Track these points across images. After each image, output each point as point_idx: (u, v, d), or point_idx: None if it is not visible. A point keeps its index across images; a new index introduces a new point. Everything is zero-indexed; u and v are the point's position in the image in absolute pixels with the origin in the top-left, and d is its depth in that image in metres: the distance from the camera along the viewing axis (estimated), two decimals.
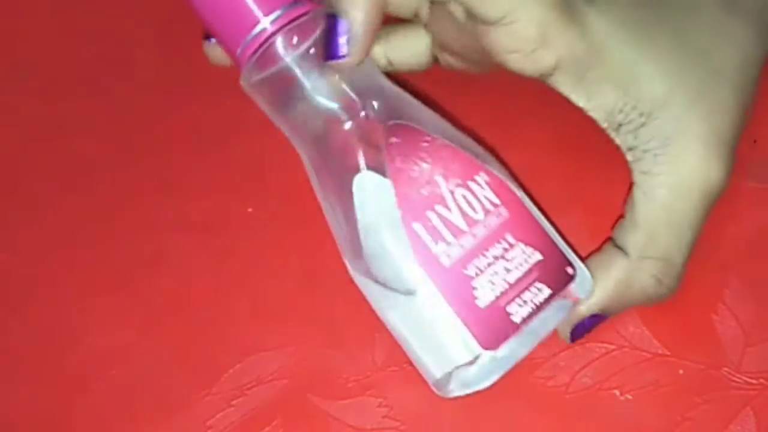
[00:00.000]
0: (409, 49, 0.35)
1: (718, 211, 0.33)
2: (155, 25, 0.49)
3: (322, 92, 0.27)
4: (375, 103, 0.28)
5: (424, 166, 0.27)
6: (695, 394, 0.28)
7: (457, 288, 0.27)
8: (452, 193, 0.27)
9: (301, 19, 0.27)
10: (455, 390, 0.28)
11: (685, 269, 0.29)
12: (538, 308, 0.28)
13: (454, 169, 0.28)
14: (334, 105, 0.28)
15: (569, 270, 0.29)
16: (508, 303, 0.27)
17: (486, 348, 0.27)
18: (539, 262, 0.28)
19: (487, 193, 0.28)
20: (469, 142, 0.29)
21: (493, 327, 0.27)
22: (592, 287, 0.29)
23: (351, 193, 0.27)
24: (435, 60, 0.35)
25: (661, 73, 0.29)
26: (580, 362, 0.30)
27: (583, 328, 0.29)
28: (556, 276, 0.28)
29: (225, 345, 0.33)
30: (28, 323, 0.35)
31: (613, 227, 0.31)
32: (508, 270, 0.28)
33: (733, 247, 0.32)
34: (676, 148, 0.28)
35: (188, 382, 0.32)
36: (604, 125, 0.29)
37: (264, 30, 0.27)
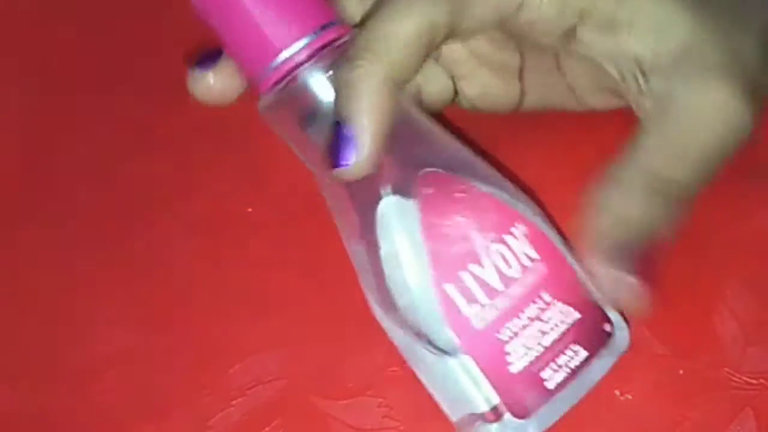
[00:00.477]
0: (440, 78, 0.34)
1: (718, 210, 0.33)
2: (155, 25, 0.49)
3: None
4: (407, 144, 0.27)
5: (459, 219, 0.26)
6: (695, 394, 0.28)
7: (489, 353, 0.25)
8: (487, 249, 0.26)
9: (330, 47, 0.26)
10: None
11: (694, 200, 0.28)
12: (574, 373, 0.26)
13: (489, 221, 0.26)
14: None
15: (607, 327, 0.27)
16: (542, 368, 0.26)
17: (516, 417, 0.26)
18: (577, 321, 0.26)
19: (524, 247, 0.26)
20: (504, 183, 0.28)
21: (525, 394, 0.26)
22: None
23: (374, 223, 0.26)
24: (455, 94, 0.34)
25: (687, 15, 0.28)
26: None
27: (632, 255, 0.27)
28: (594, 336, 0.27)
29: (225, 345, 0.33)
30: (28, 323, 0.35)
31: None
32: (543, 332, 0.26)
33: (733, 247, 0.32)
34: (695, 86, 0.28)
35: (188, 382, 0.32)
36: (630, 75, 0.29)
37: (290, 58, 0.25)
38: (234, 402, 0.31)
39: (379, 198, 0.26)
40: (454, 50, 0.33)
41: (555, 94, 0.34)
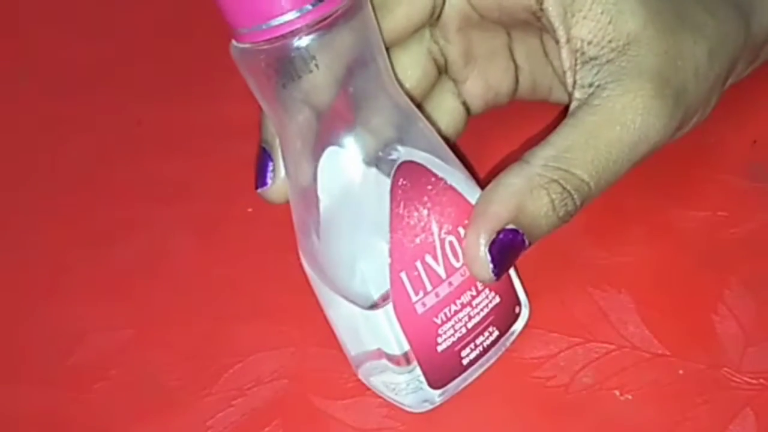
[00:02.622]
0: (452, 105, 0.35)
1: (717, 211, 0.33)
2: (155, 25, 0.49)
3: (323, 85, 0.26)
4: (385, 123, 0.27)
5: (424, 212, 0.27)
6: (695, 394, 0.28)
7: (423, 334, 0.27)
8: (442, 241, 0.27)
9: (330, 18, 0.26)
10: (382, 387, 0.29)
11: (589, 203, 0.28)
12: (486, 350, 0.29)
13: (449, 214, 0.27)
14: (332, 95, 0.26)
15: (517, 309, 0.29)
16: (463, 347, 0.28)
17: (433, 388, 0.28)
18: (497, 305, 0.29)
19: None
20: (466, 173, 0.29)
21: (444, 369, 0.28)
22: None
23: (316, 178, 0.27)
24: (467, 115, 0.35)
25: (643, 10, 0.29)
26: (580, 362, 0.30)
27: (501, 246, 0.27)
28: (507, 318, 0.29)
29: (225, 345, 0.33)
30: (28, 323, 0.35)
31: (615, 231, 0.31)
32: (470, 316, 0.28)
33: (733, 247, 0.32)
34: (624, 83, 0.28)
35: (188, 382, 0.32)
36: (575, 58, 0.29)
37: (288, 23, 0.25)
38: (234, 402, 0.31)
39: (323, 150, 0.27)
40: (456, 62, 0.34)
41: (544, 80, 0.35)
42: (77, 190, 0.40)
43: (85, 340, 0.34)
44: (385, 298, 0.26)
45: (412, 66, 0.33)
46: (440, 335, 0.27)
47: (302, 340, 0.32)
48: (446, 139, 0.29)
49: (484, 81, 0.34)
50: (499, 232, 0.26)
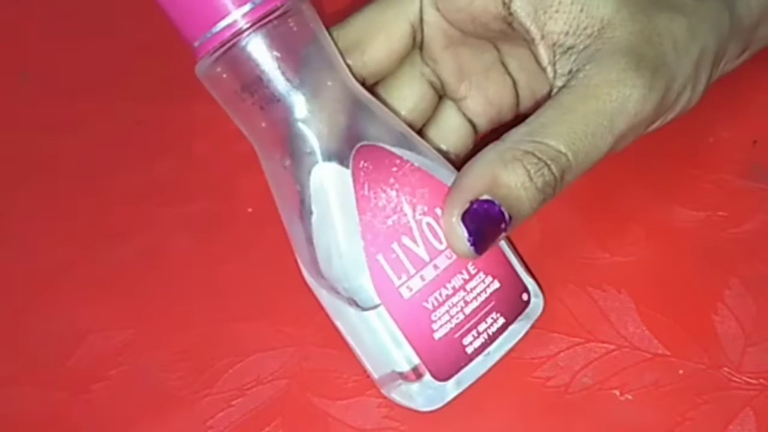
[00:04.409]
0: (459, 121, 0.35)
1: (718, 210, 0.33)
2: (155, 25, 0.49)
3: (282, 85, 0.26)
4: (344, 116, 0.27)
5: (392, 193, 0.27)
6: (695, 394, 0.28)
7: (415, 321, 0.27)
8: (419, 222, 0.27)
9: (273, 15, 0.26)
10: (399, 398, 0.28)
11: (571, 178, 0.28)
12: (492, 338, 0.28)
13: (422, 195, 0.27)
14: (293, 96, 0.26)
15: (524, 296, 0.29)
16: (464, 335, 0.28)
17: (438, 380, 0.27)
18: (497, 290, 0.28)
19: None
20: (439, 158, 0.29)
21: (447, 359, 0.27)
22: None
23: (308, 188, 0.27)
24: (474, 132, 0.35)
25: None
26: (580, 362, 0.30)
27: (475, 216, 0.26)
28: (512, 304, 0.29)
29: (225, 345, 0.33)
30: (28, 323, 0.35)
31: (615, 231, 0.30)
32: (466, 301, 0.28)
33: (733, 247, 0.32)
34: (599, 63, 0.28)
35: (188, 382, 0.32)
36: (554, 51, 0.29)
37: (230, 25, 0.25)
38: (234, 402, 0.31)
39: (314, 164, 0.27)
40: (450, 82, 0.34)
41: (543, 89, 0.34)
42: (77, 190, 0.40)
43: (85, 340, 0.34)
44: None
45: (408, 90, 0.33)
46: (434, 321, 0.27)
47: (302, 340, 0.32)
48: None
49: (483, 98, 0.34)
50: (473, 203, 0.26)
